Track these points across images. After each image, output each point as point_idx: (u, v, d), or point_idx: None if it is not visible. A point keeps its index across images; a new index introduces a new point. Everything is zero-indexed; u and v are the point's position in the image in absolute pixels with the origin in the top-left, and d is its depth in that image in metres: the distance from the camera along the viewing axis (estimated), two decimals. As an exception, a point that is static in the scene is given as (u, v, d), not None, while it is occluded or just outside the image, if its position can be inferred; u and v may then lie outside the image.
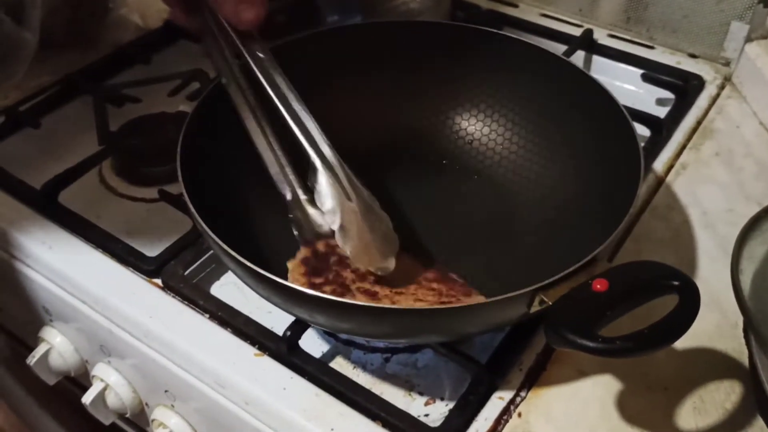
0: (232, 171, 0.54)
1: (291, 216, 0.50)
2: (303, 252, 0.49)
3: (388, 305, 0.37)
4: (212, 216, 0.46)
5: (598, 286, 0.37)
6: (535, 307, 0.39)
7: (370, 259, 0.46)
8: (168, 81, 0.69)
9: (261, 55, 0.50)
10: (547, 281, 0.38)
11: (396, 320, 0.39)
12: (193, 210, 0.44)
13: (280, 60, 0.54)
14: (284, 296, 0.40)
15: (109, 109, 0.67)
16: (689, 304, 0.36)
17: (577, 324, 0.36)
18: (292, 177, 0.50)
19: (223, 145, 0.54)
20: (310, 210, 0.50)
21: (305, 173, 0.49)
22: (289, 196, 0.50)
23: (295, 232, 0.50)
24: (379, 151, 0.59)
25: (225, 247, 0.41)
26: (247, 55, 0.50)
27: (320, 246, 0.49)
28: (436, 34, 0.60)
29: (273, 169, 0.50)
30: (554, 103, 0.57)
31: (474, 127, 0.61)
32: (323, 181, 0.47)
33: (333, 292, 0.46)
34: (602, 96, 0.53)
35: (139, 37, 0.76)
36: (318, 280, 0.47)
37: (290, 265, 0.49)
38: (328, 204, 0.47)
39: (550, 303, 0.38)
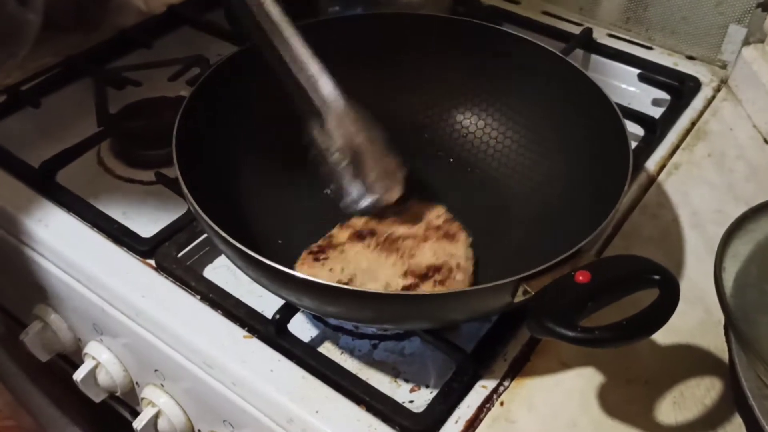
0: (227, 155, 0.55)
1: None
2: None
3: (372, 290, 0.38)
4: (207, 199, 0.46)
5: (581, 278, 0.38)
6: (519, 297, 0.40)
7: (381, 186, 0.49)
8: (169, 66, 0.69)
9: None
10: (531, 272, 0.39)
11: (380, 305, 0.40)
12: (186, 190, 0.45)
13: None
14: (271, 277, 0.41)
15: (110, 91, 0.67)
16: (668, 298, 0.37)
17: (558, 314, 0.36)
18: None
19: (219, 129, 0.55)
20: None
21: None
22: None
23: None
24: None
25: (216, 227, 0.41)
26: None
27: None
28: (434, 28, 0.61)
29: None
30: (549, 99, 0.58)
31: (469, 120, 0.61)
32: (332, 121, 0.49)
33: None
34: (596, 94, 0.54)
35: (141, 21, 0.76)
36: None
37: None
38: (339, 141, 0.48)
39: (533, 293, 0.38)
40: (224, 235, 0.41)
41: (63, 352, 0.61)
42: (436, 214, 0.53)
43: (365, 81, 0.61)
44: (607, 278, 0.38)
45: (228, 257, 0.45)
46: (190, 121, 0.52)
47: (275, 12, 0.48)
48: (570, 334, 0.35)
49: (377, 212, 0.53)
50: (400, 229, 0.52)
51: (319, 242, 0.52)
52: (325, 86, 0.49)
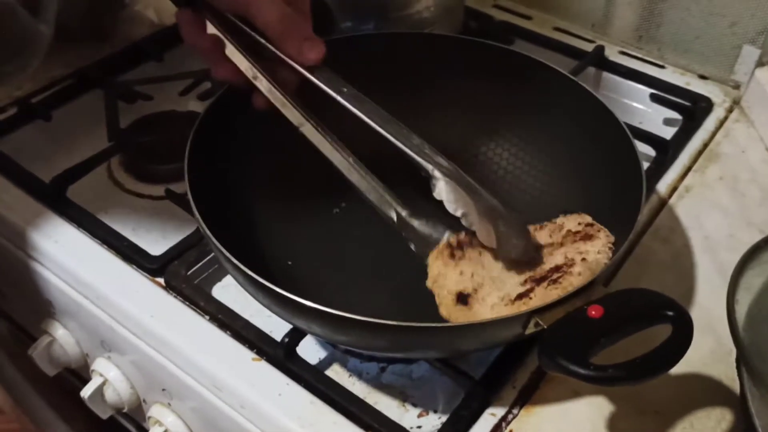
0: (239, 175, 0.55)
1: (403, 234, 0.50)
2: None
3: (383, 321, 0.38)
4: (216, 219, 0.46)
5: (594, 313, 0.38)
6: (530, 329, 0.40)
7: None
8: (179, 80, 0.69)
9: (342, 88, 0.50)
10: (542, 304, 0.39)
11: (391, 335, 0.40)
12: (198, 216, 0.44)
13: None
14: (283, 306, 0.41)
15: (120, 105, 0.67)
16: (682, 335, 0.36)
17: (571, 349, 0.36)
18: (390, 198, 0.50)
19: (231, 148, 0.55)
20: (416, 223, 0.50)
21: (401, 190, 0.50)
22: (394, 217, 0.50)
23: (412, 247, 0.50)
24: (388, 163, 0.59)
25: (228, 254, 0.41)
26: (325, 86, 0.49)
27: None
28: (444, 48, 0.61)
29: (373, 195, 0.50)
30: (561, 121, 0.57)
31: (480, 140, 0.61)
32: (444, 188, 0.48)
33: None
34: (609, 119, 0.53)
35: (152, 33, 0.76)
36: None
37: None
38: (454, 209, 0.47)
39: (545, 326, 0.38)
40: (237, 263, 0.41)
41: (70, 366, 0.61)
42: (578, 222, 0.51)
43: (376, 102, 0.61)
44: (620, 314, 0.38)
45: (239, 282, 0.45)
46: (203, 138, 0.52)
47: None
48: (583, 372, 0.35)
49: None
50: (540, 240, 0.51)
51: (462, 235, 0.49)
52: (433, 153, 0.48)
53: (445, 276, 0.47)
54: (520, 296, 0.44)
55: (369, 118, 0.48)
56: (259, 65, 0.50)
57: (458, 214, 0.47)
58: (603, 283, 0.52)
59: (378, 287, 0.53)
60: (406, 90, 0.60)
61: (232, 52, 0.51)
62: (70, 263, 0.56)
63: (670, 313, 0.37)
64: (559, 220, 0.52)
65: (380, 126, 0.48)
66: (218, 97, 0.54)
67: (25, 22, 0.66)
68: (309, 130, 0.50)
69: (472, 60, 0.61)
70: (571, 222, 0.51)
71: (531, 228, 0.51)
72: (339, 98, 0.49)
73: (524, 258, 0.47)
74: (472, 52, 0.61)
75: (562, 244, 0.49)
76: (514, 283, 0.47)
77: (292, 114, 0.50)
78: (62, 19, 0.68)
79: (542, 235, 0.51)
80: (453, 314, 0.46)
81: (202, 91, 0.68)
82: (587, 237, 0.49)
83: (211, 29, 0.51)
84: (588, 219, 0.51)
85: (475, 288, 0.46)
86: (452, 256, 0.48)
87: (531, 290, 0.45)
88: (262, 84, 0.50)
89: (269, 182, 0.56)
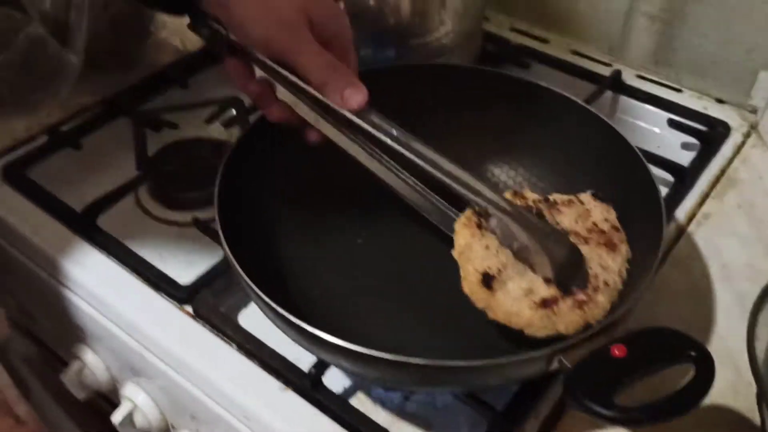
0: (265, 206, 0.56)
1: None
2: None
3: (410, 360, 0.39)
4: (244, 250, 0.48)
5: (617, 352, 0.39)
6: (554, 367, 0.41)
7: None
8: (205, 107, 0.70)
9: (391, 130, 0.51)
10: (566, 343, 0.40)
11: (417, 372, 0.41)
12: (229, 254, 0.46)
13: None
14: (313, 343, 0.42)
15: (147, 132, 0.69)
16: (704, 377, 0.37)
17: (596, 390, 0.37)
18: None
19: (260, 180, 0.56)
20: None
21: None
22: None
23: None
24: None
25: (261, 293, 0.43)
26: (373, 130, 0.50)
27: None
28: (462, 78, 0.62)
29: (434, 217, 0.53)
30: (580, 152, 0.58)
31: (500, 169, 0.62)
32: (499, 224, 0.50)
33: None
34: (628, 151, 0.54)
35: (177, 59, 0.78)
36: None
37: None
38: (509, 244, 0.49)
39: (569, 365, 0.39)
40: (268, 300, 0.42)
41: (100, 390, 0.63)
42: (604, 217, 0.52)
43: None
44: (643, 353, 0.39)
45: (268, 317, 0.46)
46: (231, 171, 0.53)
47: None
48: (609, 414, 0.36)
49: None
50: (565, 221, 0.52)
51: None
52: (485, 190, 0.49)
53: (471, 248, 0.49)
54: (544, 303, 0.45)
55: (416, 156, 0.49)
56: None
57: (513, 248, 0.48)
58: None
59: (404, 315, 0.54)
60: (425, 120, 0.61)
61: (284, 94, 0.52)
62: (100, 291, 0.57)
63: (693, 354, 0.38)
64: (586, 201, 0.53)
65: (431, 166, 0.49)
66: (247, 130, 0.55)
67: (56, 52, 0.68)
68: (366, 159, 0.53)
69: (489, 89, 0.62)
70: (598, 213, 0.52)
71: (556, 198, 0.53)
72: (388, 142, 0.50)
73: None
74: (489, 82, 0.62)
75: (586, 242, 0.50)
76: (535, 277, 0.48)
77: (350, 146, 0.53)
78: (90, 48, 0.70)
79: (568, 216, 0.52)
80: (476, 294, 0.47)
81: (227, 119, 0.69)
82: (611, 245, 0.50)
83: (259, 73, 0.52)
84: (613, 216, 0.52)
85: (500, 269, 0.48)
86: (479, 225, 0.50)
87: (555, 301, 0.45)
88: (320, 124, 0.52)
89: (295, 213, 0.58)
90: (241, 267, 0.46)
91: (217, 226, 0.49)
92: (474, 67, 0.69)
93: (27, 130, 0.69)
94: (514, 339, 0.47)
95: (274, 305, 0.42)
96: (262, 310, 0.46)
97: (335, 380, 0.52)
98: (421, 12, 0.70)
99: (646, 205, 0.51)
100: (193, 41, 0.80)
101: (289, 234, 0.57)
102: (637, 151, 0.54)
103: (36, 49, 0.67)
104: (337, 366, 0.46)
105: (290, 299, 0.46)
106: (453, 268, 0.50)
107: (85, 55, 0.70)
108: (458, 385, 0.45)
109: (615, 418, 0.36)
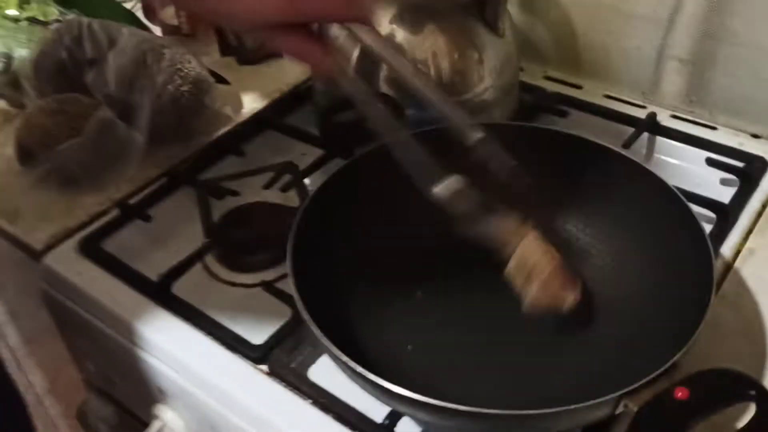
0: (333, 265, 0.60)
1: None
2: None
3: (485, 410, 0.42)
4: (316, 308, 0.51)
5: (680, 395, 0.41)
6: (620, 410, 0.43)
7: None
8: (261, 173, 0.75)
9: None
10: (630, 388, 0.42)
11: (491, 421, 0.43)
12: (307, 316, 0.49)
13: (374, 163, 0.60)
14: (390, 397, 0.45)
15: (210, 200, 0.73)
16: (765, 414, 0.39)
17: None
18: None
19: (327, 239, 0.60)
20: None
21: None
22: None
23: None
24: (458, 248, 0.63)
25: (340, 353, 0.46)
26: None
27: None
28: (510, 135, 0.65)
29: None
30: (620, 198, 0.61)
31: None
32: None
33: None
34: (668, 194, 0.57)
35: (231, 129, 0.82)
36: None
37: None
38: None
39: (635, 408, 0.42)
40: (346, 359, 0.45)
41: (180, 449, 0.66)
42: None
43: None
44: (705, 395, 0.41)
45: (344, 372, 0.49)
46: (301, 235, 0.56)
47: None
48: (678, 458, 0.38)
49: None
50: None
51: None
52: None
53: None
54: None
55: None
56: None
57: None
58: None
59: (473, 364, 0.56)
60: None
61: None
62: (179, 353, 0.61)
63: (752, 393, 0.41)
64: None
65: None
66: (310, 199, 0.59)
67: (123, 132, 0.73)
68: None
69: (530, 144, 0.65)
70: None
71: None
72: None
73: None
74: (529, 137, 0.65)
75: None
76: None
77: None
78: (152, 125, 0.75)
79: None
80: None
81: (284, 183, 0.73)
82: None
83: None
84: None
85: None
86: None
87: None
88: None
89: (370, 274, 0.61)
90: (317, 325, 0.49)
91: (292, 289, 0.52)
92: (519, 125, 0.73)
93: (99, 205, 0.73)
94: (573, 384, 0.50)
95: (353, 364, 0.46)
96: (339, 366, 0.49)
97: (407, 429, 0.54)
98: (461, 71, 0.74)
99: (692, 244, 0.54)
100: (244, 110, 0.85)
101: (356, 290, 0.60)
102: (675, 190, 0.57)
103: (105, 131, 0.72)
104: (411, 417, 0.49)
105: (360, 352, 0.49)
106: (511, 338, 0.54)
107: (148, 131, 0.75)
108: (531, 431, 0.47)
109: (684, 458, 0.38)
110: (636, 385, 0.42)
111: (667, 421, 0.40)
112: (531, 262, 0.55)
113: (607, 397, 0.42)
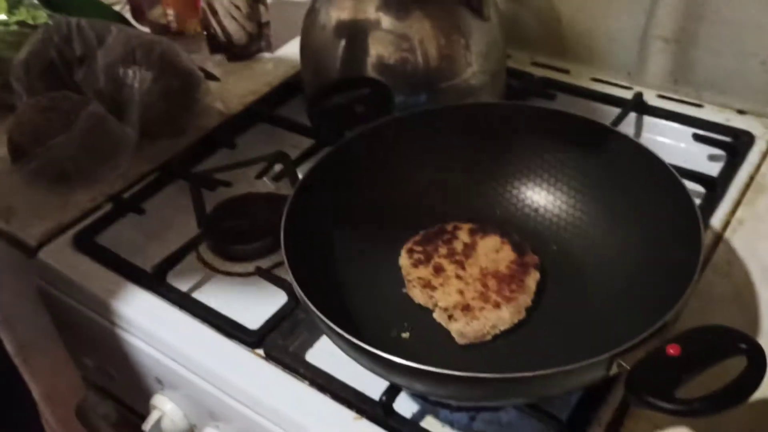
0: (327, 247, 0.60)
1: None
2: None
3: (481, 374, 0.42)
4: (312, 290, 0.51)
5: (672, 351, 0.41)
6: (613, 371, 0.43)
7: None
8: (254, 164, 0.75)
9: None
10: (623, 347, 0.43)
11: (490, 386, 0.44)
12: (302, 295, 0.49)
13: (364, 147, 0.61)
14: (391, 371, 0.46)
15: (203, 192, 0.74)
16: (757, 366, 0.40)
17: (657, 388, 0.40)
18: None
19: (324, 223, 0.60)
20: None
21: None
22: None
23: None
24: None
25: (337, 329, 0.46)
26: None
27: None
28: (497, 115, 0.66)
29: None
30: (611, 171, 0.62)
31: (539, 195, 0.65)
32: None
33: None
34: (657, 165, 0.58)
35: (222, 122, 0.83)
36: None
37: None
38: None
39: (628, 367, 0.42)
40: (348, 336, 0.46)
41: (180, 438, 0.66)
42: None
43: (440, 170, 0.66)
44: (697, 350, 0.41)
45: (342, 350, 0.49)
46: (292, 220, 0.57)
47: None
48: (673, 407, 0.39)
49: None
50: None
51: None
52: None
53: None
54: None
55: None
56: None
57: None
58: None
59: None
60: (465, 156, 0.66)
61: None
62: (175, 342, 0.61)
63: (743, 346, 0.41)
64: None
65: None
66: (302, 182, 0.60)
67: (114, 127, 0.73)
68: None
69: (520, 123, 0.66)
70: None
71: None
72: None
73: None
74: (519, 116, 0.66)
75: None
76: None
77: None
78: (143, 120, 0.76)
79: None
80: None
81: (275, 173, 0.74)
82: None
83: None
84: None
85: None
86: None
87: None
88: None
89: (355, 252, 0.62)
90: (314, 305, 0.49)
91: (287, 268, 0.52)
92: (501, 103, 0.74)
93: (92, 200, 0.74)
94: (567, 350, 0.51)
95: (351, 338, 0.46)
96: (337, 344, 0.49)
97: (404, 407, 0.55)
98: (448, 56, 0.74)
99: (679, 210, 0.54)
100: (235, 102, 0.86)
101: (349, 271, 0.60)
102: (665, 161, 0.57)
103: (96, 126, 0.73)
104: (409, 389, 0.49)
105: (357, 331, 0.49)
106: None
107: (139, 126, 0.76)
108: (525, 396, 0.47)
109: (679, 410, 0.38)
110: (628, 345, 0.43)
111: (661, 377, 0.41)
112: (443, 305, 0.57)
113: (601, 357, 0.42)
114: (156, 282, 0.64)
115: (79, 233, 0.70)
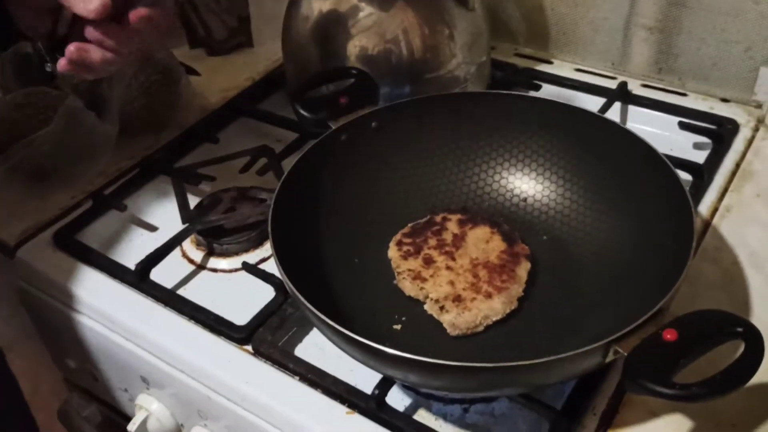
0: (312, 238, 0.59)
1: None
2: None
3: (477, 364, 0.41)
4: (301, 282, 0.50)
5: (668, 336, 0.41)
6: (610, 358, 0.43)
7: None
8: (237, 158, 0.74)
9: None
10: (619, 333, 0.42)
11: (485, 376, 0.43)
12: (293, 289, 0.48)
13: (349, 138, 0.60)
14: (382, 360, 0.45)
15: (187, 187, 0.72)
16: (755, 349, 0.40)
17: (654, 373, 0.39)
18: None
19: (306, 215, 0.59)
20: None
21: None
22: None
23: None
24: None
25: (330, 321, 0.45)
26: None
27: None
28: (484, 104, 0.65)
29: None
30: (600, 159, 0.61)
31: (527, 185, 0.65)
32: None
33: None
34: (646, 151, 0.57)
35: (204, 117, 0.82)
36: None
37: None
38: None
39: (625, 354, 0.41)
40: (341, 329, 0.45)
41: (167, 438, 0.65)
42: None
43: (427, 159, 0.66)
44: (693, 334, 0.41)
45: (333, 342, 0.49)
46: (279, 212, 0.56)
47: None
48: (671, 392, 0.38)
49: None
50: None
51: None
52: None
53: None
54: None
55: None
56: None
57: None
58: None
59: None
60: (452, 144, 0.65)
61: None
62: (161, 340, 0.60)
63: (740, 330, 0.41)
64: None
65: None
66: (288, 174, 0.58)
67: (93, 122, 0.72)
68: None
69: (506, 112, 0.65)
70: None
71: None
72: None
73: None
74: (507, 105, 0.65)
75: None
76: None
77: None
78: (123, 116, 0.74)
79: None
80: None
81: (260, 167, 0.73)
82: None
83: None
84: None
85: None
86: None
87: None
88: None
89: (343, 244, 0.61)
90: (305, 298, 0.48)
91: (277, 264, 0.51)
92: (487, 92, 0.73)
93: (71, 198, 0.72)
94: (563, 339, 0.50)
95: (343, 330, 0.45)
96: (328, 336, 0.49)
97: (396, 401, 0.54)
98: (432, 47, 0.74)
99: (670, 196, 0.54)
100: (216, 98, 0.84)
101: (337, 264, 0.59)
102: (654, 147, 0.57)
103: (75, 120, 0.71)
104: (404, 380, 0.48)
105: (348, 323, 0.48)
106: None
107: (119, 122, 0.74)
108: (521, 386, 0.47)
109: (677, 395, 0.38)
110: (624, 331, 0.42)
111: (658, 363, 0.40)
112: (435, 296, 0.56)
113: (597, 344, 0.42)
114: (140, 279, 0.63)
115: (60, 231, 0.69)
